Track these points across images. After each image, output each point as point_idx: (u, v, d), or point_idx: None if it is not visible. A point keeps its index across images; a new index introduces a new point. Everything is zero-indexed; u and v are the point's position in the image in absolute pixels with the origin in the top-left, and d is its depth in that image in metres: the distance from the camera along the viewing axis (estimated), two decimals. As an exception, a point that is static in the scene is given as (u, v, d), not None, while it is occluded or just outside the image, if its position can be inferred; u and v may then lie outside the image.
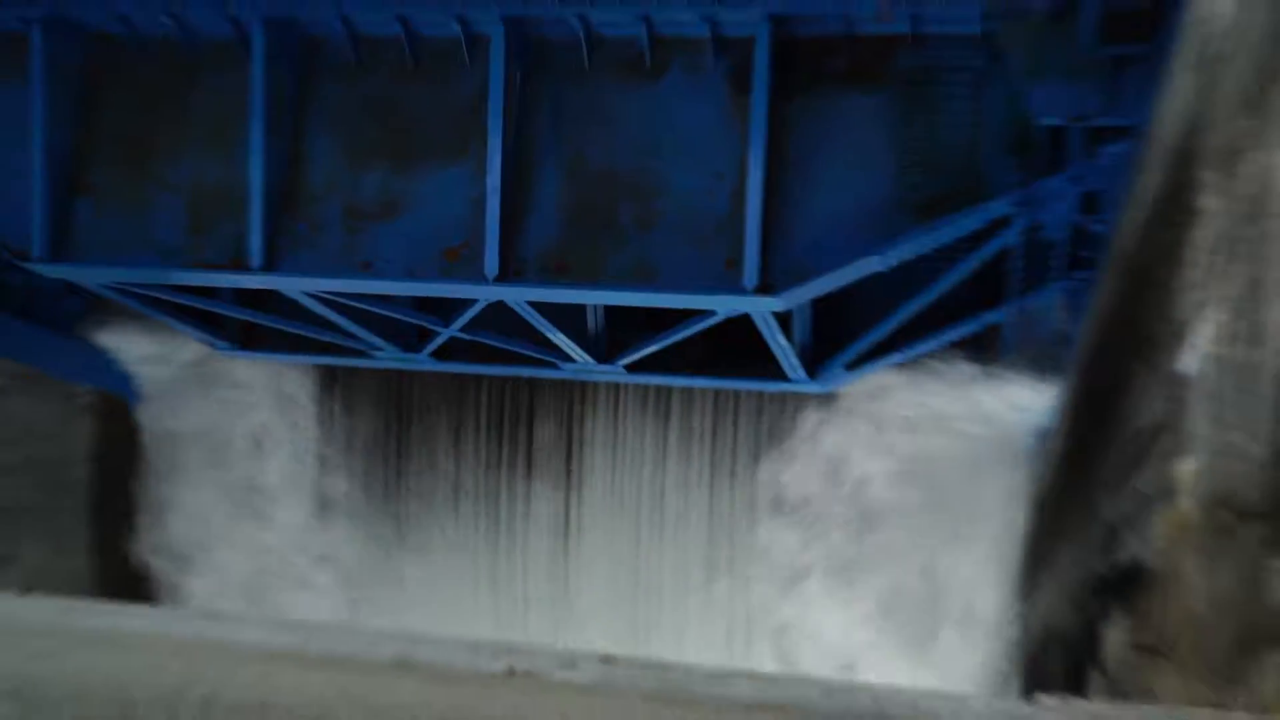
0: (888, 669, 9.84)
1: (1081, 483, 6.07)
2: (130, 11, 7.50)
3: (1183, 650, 3.26)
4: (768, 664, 10.08)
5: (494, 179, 7.13)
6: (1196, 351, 3.49)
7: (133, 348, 10.46)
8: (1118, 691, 4.34)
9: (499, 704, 1.63)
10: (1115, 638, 4.44)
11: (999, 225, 6.90)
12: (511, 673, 2.40)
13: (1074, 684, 5.50)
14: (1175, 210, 4.13)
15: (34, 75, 7.71)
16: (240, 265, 7.65)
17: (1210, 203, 3.55)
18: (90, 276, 8.22)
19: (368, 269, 7.52)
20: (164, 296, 8.61)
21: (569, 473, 10.41)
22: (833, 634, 10.09)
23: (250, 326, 9.53)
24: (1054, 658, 6.82)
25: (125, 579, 11.05)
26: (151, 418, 10.98)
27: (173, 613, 4.79)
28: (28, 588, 6.32)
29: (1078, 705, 2.89)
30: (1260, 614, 2.46)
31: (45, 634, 2.34)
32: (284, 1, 7.24)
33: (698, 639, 10.42)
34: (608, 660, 2.96)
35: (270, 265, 7.60)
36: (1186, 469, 3.47)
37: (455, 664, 2.52)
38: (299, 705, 1.33)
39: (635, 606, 10.55)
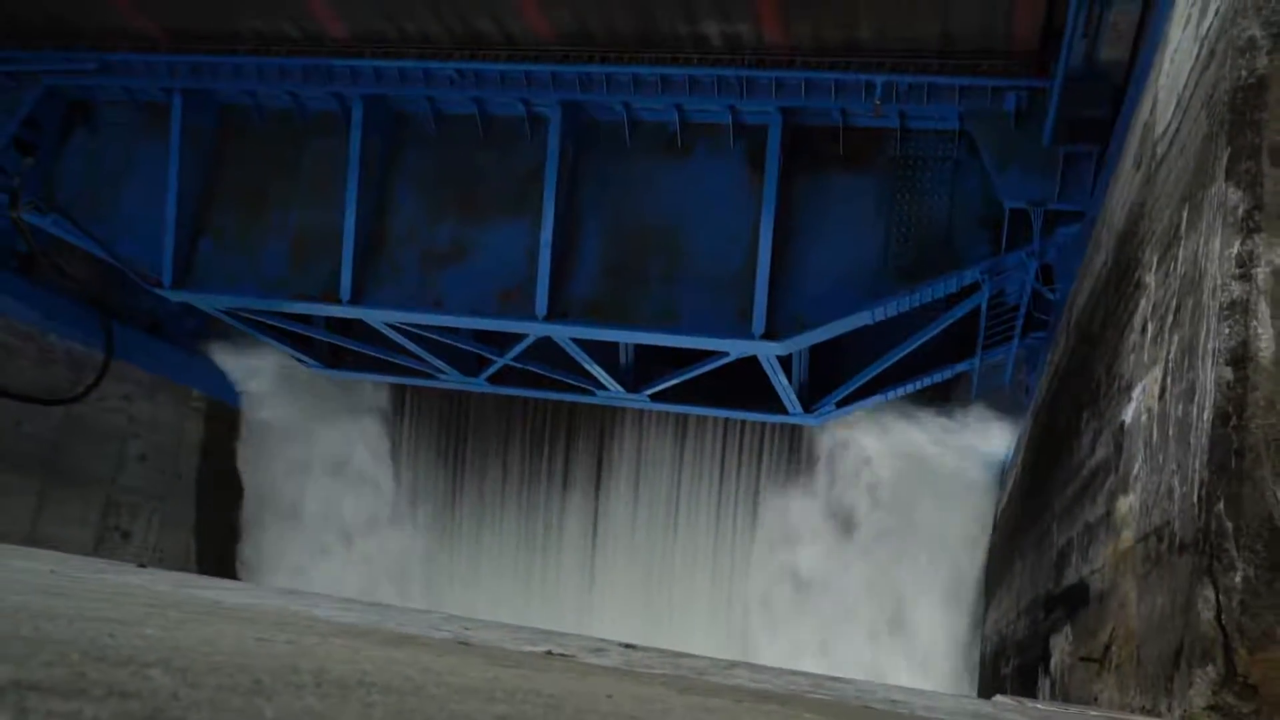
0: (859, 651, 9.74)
1: (1036, 511, 6.01)
2: (257, 87, 7.70)
3: (1121, 663, 3.22)
4: (763, 648, 9.96)
5: (547, 234, 7.22)
6: (1138, 404, 3.48)
7: (238, 361, 10.61)
8: (1064, 696, 4.27)
9: (552, 682, 1.64)
10: (1063, 648, 4.38)
11: (970, 290, 6.92)
12: (550, 655, 2.42)
13: (1025, 687, 5.40)
14: (1121, 283, 4.13)
15: (173, 136, 7.92)
16: (332, 298, 7.78)
17: (1151, 279, 3.54)
18: (208, 302, 8.37)
19: (438, 305, 7.62)
20: (267, 320, 8.75)
21: (598, 483, 10.41)
22: (805, 630, 10.00)
23: (337, 348, 9.64)
24: (1009, 663, 6.71)
25: (222, 556, 11.13)
26: (250, 421, 11.10)
27: (261, 589, 4.81)
28: (141, 563, 6.34)
29: (1029, 706, 2.87)
30: (1189, 634, 2.44)
31: (172, 605, 2.37)
32: (380, 83, 7.40)
33: (704, 627, 10.33)
34: (629, 648, 2.97)
35: (357, 298, 7.72)
36: (1127, 505, 3.44)
37: (504, 646, 2.54)
38: (394, 681, 1.34)
39: (650, 598, 10.48)
